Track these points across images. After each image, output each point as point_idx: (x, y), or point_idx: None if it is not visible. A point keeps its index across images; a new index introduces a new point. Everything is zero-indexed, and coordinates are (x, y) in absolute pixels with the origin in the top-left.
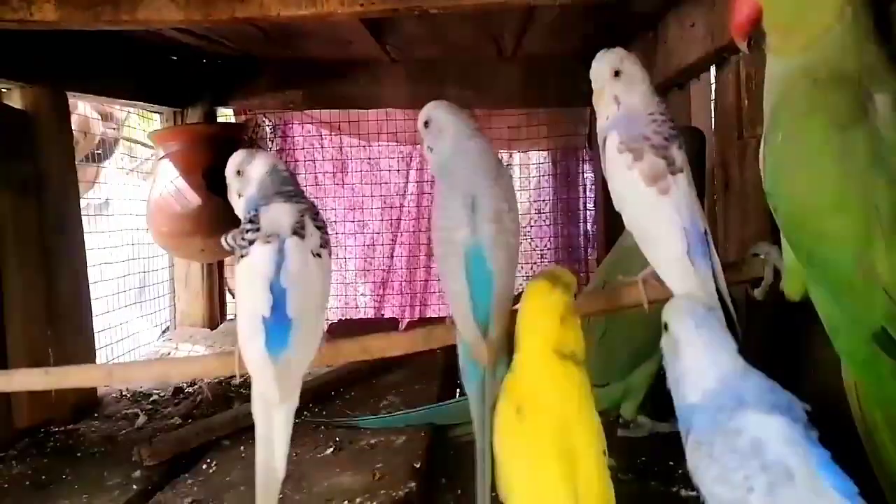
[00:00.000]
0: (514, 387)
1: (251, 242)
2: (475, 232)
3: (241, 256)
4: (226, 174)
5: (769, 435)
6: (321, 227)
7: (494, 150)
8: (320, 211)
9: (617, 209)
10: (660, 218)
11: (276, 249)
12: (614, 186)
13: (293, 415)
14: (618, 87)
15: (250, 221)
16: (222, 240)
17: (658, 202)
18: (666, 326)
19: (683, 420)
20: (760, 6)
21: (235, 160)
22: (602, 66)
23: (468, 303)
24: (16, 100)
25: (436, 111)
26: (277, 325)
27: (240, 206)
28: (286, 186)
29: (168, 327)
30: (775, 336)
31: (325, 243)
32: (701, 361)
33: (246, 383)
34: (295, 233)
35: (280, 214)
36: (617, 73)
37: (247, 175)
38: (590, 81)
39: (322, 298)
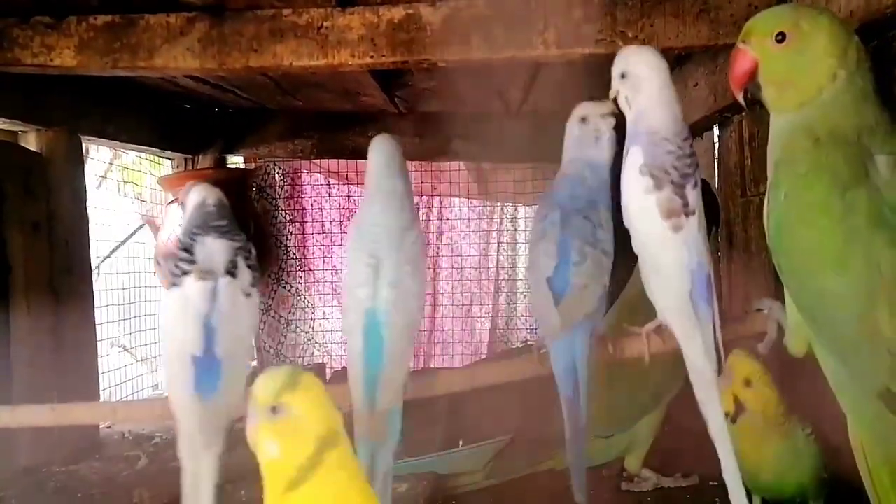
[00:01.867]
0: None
1: (184, 273)
2: (376, 295)
3: (173, 284)
4: None
5: None
6: (252, 267)
7: (409, 204)
8: (252, 249)
9: (625, 224)
10: (669, 253)
11: (211, 288)
12: (628, 204)
13: (218, 462)
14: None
15: (185, 250)
16: (168, 262)
17: (669, 238)
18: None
19: None
20: (757, 61)
21: (182, 192)
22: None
23: (360, 367)
24: (31, 142)
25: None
26: (207, 365)
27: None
28: (220, 221)
29: None
30: None
31: (255, 282)
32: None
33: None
34: (228, 272)
35: (215, 250)
36: (624, 76)
37: (185, 206)
38: None
39: (249, 339)
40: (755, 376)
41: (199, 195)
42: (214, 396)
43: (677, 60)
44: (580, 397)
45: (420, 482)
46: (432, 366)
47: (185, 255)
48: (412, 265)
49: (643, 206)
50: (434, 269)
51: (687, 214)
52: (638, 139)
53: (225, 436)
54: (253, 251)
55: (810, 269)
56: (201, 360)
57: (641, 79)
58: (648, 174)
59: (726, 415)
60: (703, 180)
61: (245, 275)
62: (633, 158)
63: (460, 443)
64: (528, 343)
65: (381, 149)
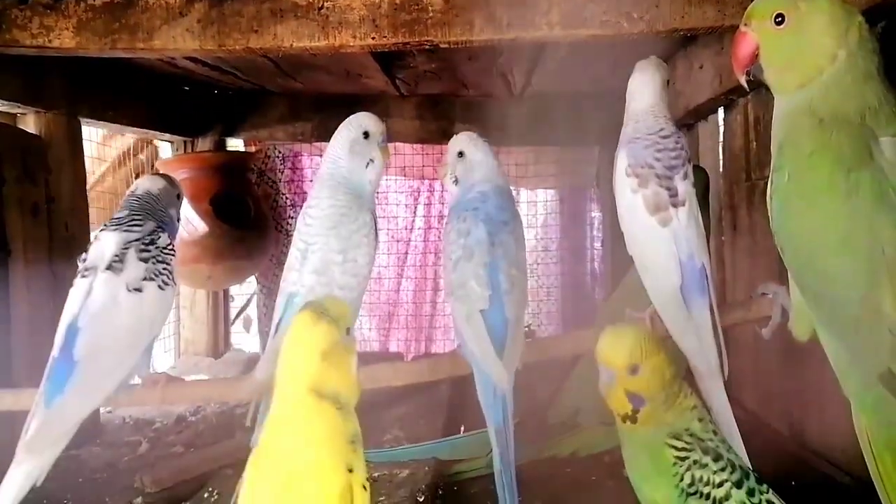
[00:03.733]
0: (264, 432)
1: (78, 273)
2: (299, 280)
3: (72, 285)
4: None
5: None
6: (148, 259)
7: (350, 192)
8: (160, 239)
9: (621, 226)
10: (657, 248)
11: (87, 285)
12: (619, 206)
13: (45, 470)
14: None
15: (85, 250)
16: (78, 260)
17: (657, 232)
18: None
19: None
20: (758, 43)
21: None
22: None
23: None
24: (30, 124)
25: None
26: (60, 368)
27: None
28: (121, 212)
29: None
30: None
31: (154, 275)
32: None
33: (243, 413)
34: (109, 267)
35: (105, 245)
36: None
37: None
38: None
39: (132, 337)
40: (638, 355)
41: (132, 187)
42: (59, 401)
43: (683, 42)
44: (509, 428)
45: (421, 467)
46: (433, 350)
47: (84, 254)
48: (344, 254)
49: (631, 205)
50: (436, 253)
51: (676, 205)
52: (623, 145)
53: (63, 441)
54: (159, 242)
55: (813, 249)
56: (57, 360)
57: (632, 93)
58: (633, 174)
59: (625, 418)
60: (700, 168)
61: (134, 269)
62: (620, 162)
63: (462, 428)
64: (531, 328)
65: (340, 127)
